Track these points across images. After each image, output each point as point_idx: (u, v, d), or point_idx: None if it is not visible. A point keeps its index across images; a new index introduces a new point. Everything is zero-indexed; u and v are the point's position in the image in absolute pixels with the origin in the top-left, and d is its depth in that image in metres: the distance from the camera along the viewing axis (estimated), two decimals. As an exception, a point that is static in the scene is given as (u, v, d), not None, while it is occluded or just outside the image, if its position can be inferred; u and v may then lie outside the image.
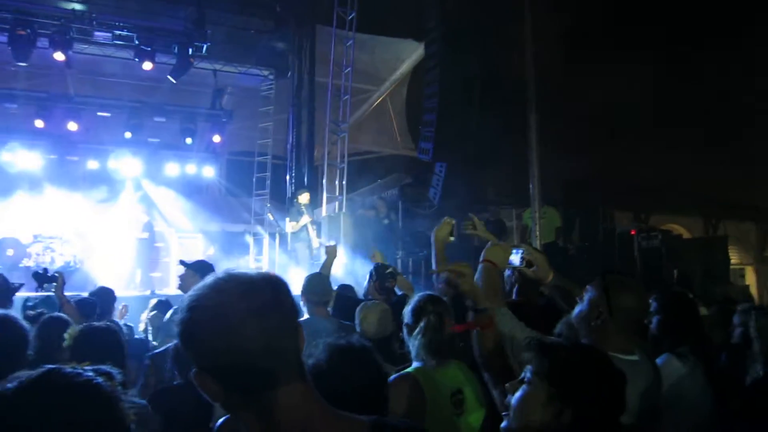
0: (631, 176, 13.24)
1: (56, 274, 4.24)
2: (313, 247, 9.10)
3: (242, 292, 1.03)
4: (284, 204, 11.26)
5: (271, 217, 11.28)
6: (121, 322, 4.95)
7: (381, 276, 4.48)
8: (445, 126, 9.32)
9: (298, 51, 11.46)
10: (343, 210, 10.27)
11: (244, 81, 12.56)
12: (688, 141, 12.62)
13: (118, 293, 5.36)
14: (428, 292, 2.76)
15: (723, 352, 3.23)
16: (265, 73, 12.33)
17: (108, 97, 11.19)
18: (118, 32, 9.89)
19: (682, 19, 11.54)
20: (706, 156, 12.75)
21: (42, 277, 4.38)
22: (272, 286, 1.07)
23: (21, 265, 9.43)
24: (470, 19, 9.29)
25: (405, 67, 13.13)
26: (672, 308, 2.91)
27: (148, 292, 9.04)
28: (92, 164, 11.18)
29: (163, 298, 5.96)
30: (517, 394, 1.52)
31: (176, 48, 10.15)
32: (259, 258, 12.04)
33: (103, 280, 7.79)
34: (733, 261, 12.41)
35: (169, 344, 3.16)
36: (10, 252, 9.67)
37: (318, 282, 3.95)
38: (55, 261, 9.74)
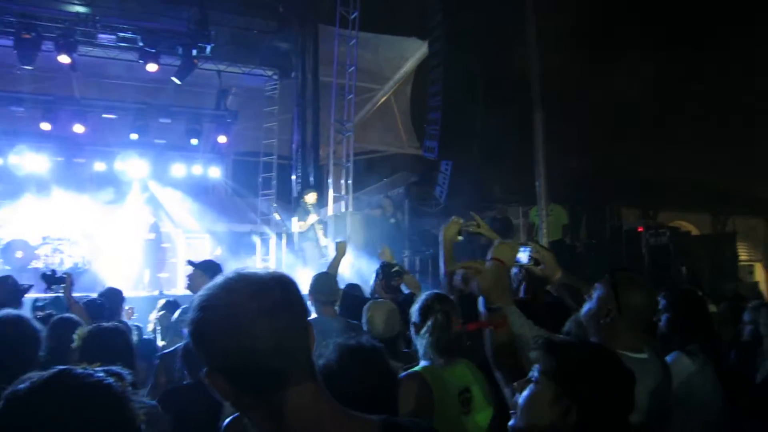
0: (639, 173, 13.18)
1: (64, 276, 4.26)
2: (321, 246, 9.10)
3: (253, 291, 1.03)
4: (290, 204, 11.27)
5: (277, 217, 11.30)
6: (130, 323, 4.98)
7: (387, 274, 4.49)
8: (451, 124, 9.30)
9: (301, 51, 11.46)
10: (350, 209, 10.27)
11: (249, 81, 12.58)
12: (696, 137, 12.56)
13: (126, 294, 5.39)
14: (435, 291, 2.76)
15: (732, 350, 3.22)
16: (269, 73, 12.35)
17: (113, 99, 11.24)
18: (122, 34, 9.92)
19: (688, 15, 11.48)
20: (714, 152, 12.67)
21: (50, 279, 4.39)
22: (282, 285, 1.07)
23: (30, 267, 9.49)
24: (474, 16, 9.26)
25: (409, 65, 13.11)
26: (681, 306, 2.89)
27: (156, 293, 9.09)
28: (99, 166, 11.24)
29: (171, 299, 5.99)
30: (525, 393, 1.51)
31: (180, 49, 10.17)
32: (266, 258, 12.07)
33: (111, 281, 7.83)
34: (741, 257, 12.35)
35: (179, 344, 3.17)
36: (19, 254, 9.73)
37: (325, 281, 3.95)
38: (63, 262, 9.80)
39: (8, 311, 2.58)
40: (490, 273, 2.01)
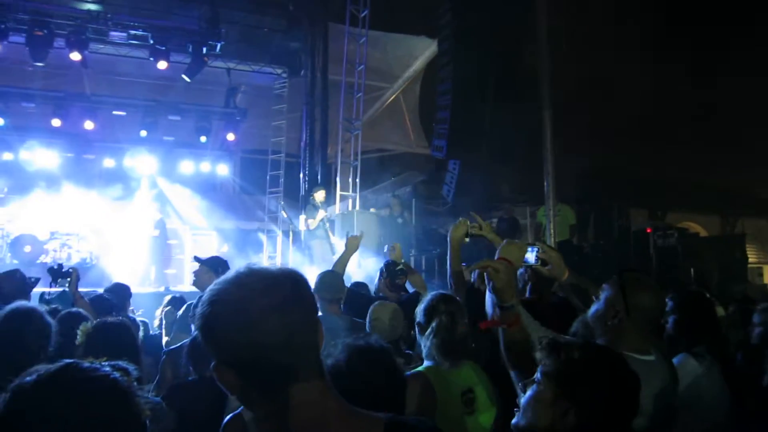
0: (647, 174, 13.10)
1: (70, 270, 4.27)
2: (331, 243, 9.10)
3: (264, 287, 1.04)
4: (298, 202, 11.30)
5: (284, 215, 11.33)
6: (137, 319, 5.00)
7: (391, 273, 4.48)
8: (459, 123, 9.24)
9: (311, 49, 11.47)
10: (357, 207, 10.28)
11: (258, 79, 12.62)
12: (705, 138, 12.46)
13: (133, 290, 5.42)
14: (441, 291, 2.75)
15: (739, 352, 3.19)
16: (279, 71, 12.38)
17: (123, 96, 11.32)
18: (133, 32, 9.99)
19: (701, 17, 11.38)
20: (722, 153, 12.58)
21: (56, 273, 4.41)
22: (293, 281, 1.07)
23: (38, 262, 9.58)
24: (484, 14, 9.21)
25: (418, 64, 13.09)
26: (688, 308, 2.87)
27: (162, 289, 9.14)
28: (108, 162, 11.33)
29: (177, 295, 6.02)
30: (527, 393, 1.52)
31: (190, 47, 10.23)
32: (273, 255, 12.10)
33: (118, 277, 7.88)
34: (750, 259, 12.22)
35: (185, 340, 3.18)
36: (27, 248, 9.82)
37: (331, 279, 3.95)
38: (71, 257, 9.89)
39: (21, 303, 2.59)
40: (506, 273, 1.99)
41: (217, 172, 12.09)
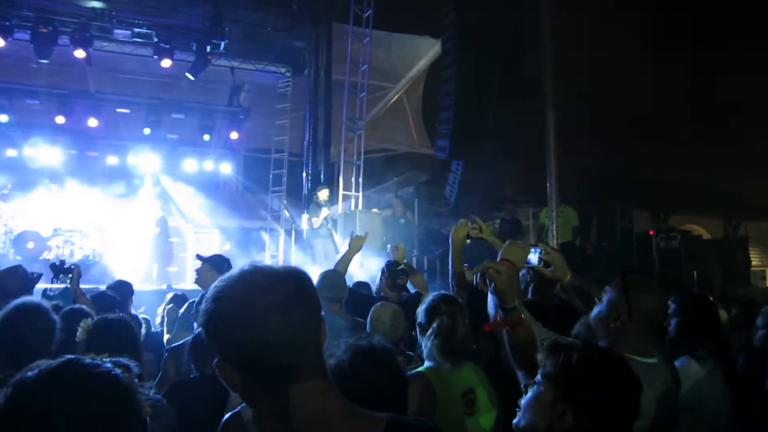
0: (650, 176, 13.06)
1: (72, 266, 4.27)
2: (334, 241, 9.10)
3: (268, 285, 1.04)
4: (301, 201, 11.31)
5: (287, 214, 11.34)
6: (140, 316, 5.01)
7: (393, 273, 4.48)
8: (462, 123, 9.24)
9: (314, 48, 11.49)
10: (359, 207, 10.28)
11: (262, 78, 12.64)
12: (708, 140, 12.42)
13: (135, 287, 5.42)
14: (442, 292, 2.75)
15: (742, 355, 3.18)
16: (282, 70, 12.39)
17: (127, 93, 11.35)
18: (137, 30, 10.01)
19: (706, 14, 11.34)
20: (726, 156, 12.53)
21: (58, 269, 4.41)
22: (297, 280, 1.07)
23: (41, 258, 9.59)
24: (487, 14, 9.20)
25: (422, 64, 13.08)
26: (691, 310, 2.86)
27: (164, 287, 9.16)
28: (112, 160, 11.35)
29: (179, 293, 6.03)
30: (528, 394, 1.52)
31: (194, 45, 10.24)
32: (275, 254, 12.12)
33: (120, 274, 7.89)
34: (754, 263, 12.18)
35: (188, 338, 3.19)
36: (30, 245, 9.83)
37: (332, 278, 3.95)
38: (74, 254, 9.90)
39: (27, 299, 2.60)
40: (509, 275, 1.99)
41: (220, 170, 12.10)
